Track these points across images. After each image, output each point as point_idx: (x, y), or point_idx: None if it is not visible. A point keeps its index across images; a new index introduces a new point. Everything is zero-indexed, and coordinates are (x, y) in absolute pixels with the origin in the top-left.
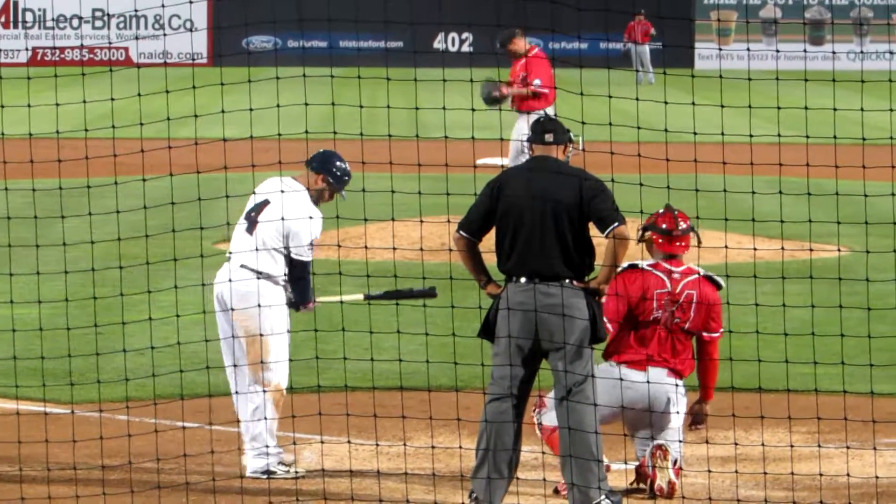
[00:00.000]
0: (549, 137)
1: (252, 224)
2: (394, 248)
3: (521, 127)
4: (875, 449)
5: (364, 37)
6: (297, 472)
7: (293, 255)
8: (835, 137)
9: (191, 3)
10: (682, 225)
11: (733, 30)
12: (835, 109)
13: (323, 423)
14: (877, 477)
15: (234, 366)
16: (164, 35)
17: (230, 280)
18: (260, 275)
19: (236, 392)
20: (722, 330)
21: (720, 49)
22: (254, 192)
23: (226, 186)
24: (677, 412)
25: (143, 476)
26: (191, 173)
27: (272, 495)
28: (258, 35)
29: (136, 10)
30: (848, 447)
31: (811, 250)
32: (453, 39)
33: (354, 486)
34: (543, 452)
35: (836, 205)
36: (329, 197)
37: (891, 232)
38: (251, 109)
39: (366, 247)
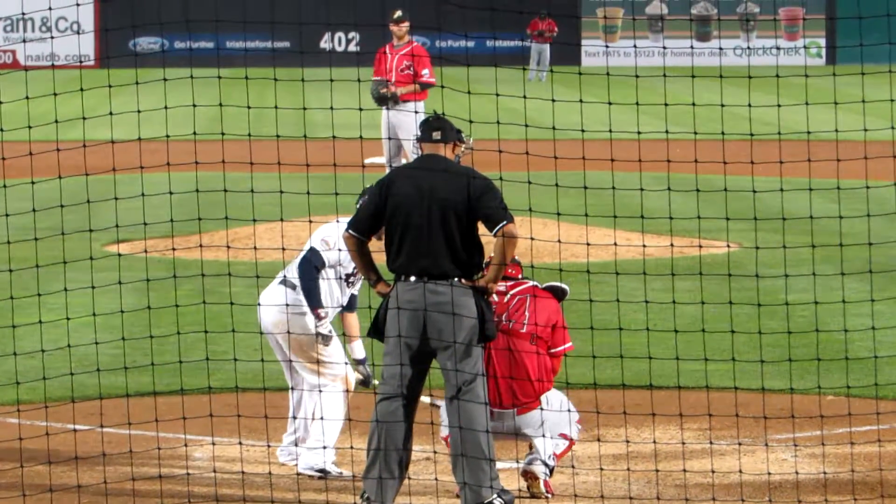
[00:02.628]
0: (437, 135)
1: None
2: (283, 249)
3: (410, 126)
4: (767, 445)
5: (251, 37)
6: (351, 475)
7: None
8: (723, 133)
9: (78, 5)
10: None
11: (620, 26)
12: (722, 105)
13: (214, 424)
14: (769, 473)
15: (289, 361)
16: (52, 37)
17: (287, 304)
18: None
19: (292, 388)
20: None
21: (607, 46)
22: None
23: (114, 188)
24: (540, 428)
25: (35, 479)
26: (79, 175)
27: (164, 497)
28: (145, 36)
29: (23, 13)
30: (740, 444)
31: (700, 247)
32: (339, 39)
33: (246, 487)
34: (435, 451)
35: (724, 201)
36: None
37: (779, 227)
38: (139, 111)
39: (255, 247)
